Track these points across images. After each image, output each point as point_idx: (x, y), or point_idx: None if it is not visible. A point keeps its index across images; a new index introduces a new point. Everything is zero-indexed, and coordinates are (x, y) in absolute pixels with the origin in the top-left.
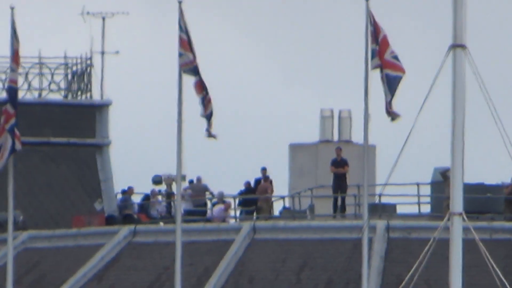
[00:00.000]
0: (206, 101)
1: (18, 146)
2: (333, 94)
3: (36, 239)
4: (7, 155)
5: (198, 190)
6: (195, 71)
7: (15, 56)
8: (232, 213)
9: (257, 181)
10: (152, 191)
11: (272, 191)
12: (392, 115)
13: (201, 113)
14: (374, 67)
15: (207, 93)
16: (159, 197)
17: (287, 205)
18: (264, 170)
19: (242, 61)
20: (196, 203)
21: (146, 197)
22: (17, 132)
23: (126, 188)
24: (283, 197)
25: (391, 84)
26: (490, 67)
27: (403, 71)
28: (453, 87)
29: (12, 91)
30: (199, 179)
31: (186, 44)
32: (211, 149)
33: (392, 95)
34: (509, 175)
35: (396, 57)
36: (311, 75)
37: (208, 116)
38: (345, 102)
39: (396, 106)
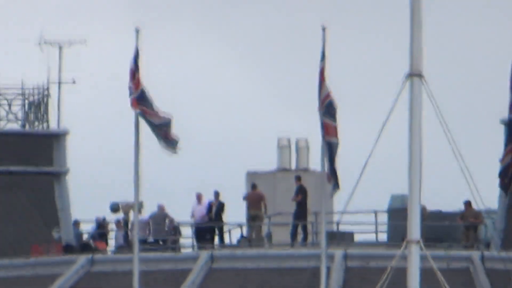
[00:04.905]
0: (148, 115)
1: None
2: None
3: None
4: None
5: (159, 219)
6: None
7: None
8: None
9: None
10: (104, 220)
11: (265, 198)
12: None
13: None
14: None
15: (147, 107)
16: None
17: (244, 233)
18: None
19: (205, 82)
20: (157, 233)
21: (100, 226)
22: None
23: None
24: (240, 225)
25: (330, 152)
26: (447, 95)
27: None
28: (410, 115)
29: None
30: (160, 207)
31: (133, 75)
32: (168, 176)
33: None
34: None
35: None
36: (270, 103)
37: (160, 126)
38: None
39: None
